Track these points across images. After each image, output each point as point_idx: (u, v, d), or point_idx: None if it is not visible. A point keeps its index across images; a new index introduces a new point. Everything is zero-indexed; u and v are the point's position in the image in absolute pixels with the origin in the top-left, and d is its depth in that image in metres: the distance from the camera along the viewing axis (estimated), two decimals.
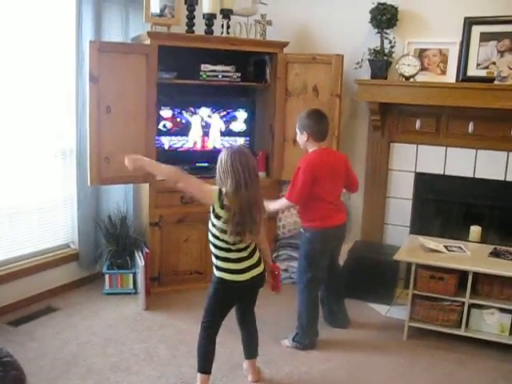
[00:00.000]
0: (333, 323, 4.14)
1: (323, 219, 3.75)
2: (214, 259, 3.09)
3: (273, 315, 4.25)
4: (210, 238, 3.04)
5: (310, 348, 3.83)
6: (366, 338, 4.02)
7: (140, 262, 4.37)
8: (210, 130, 4.85)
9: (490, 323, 3.84)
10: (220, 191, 2.95)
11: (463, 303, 3.85)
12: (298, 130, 3.80)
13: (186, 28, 4.59)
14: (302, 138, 3.78)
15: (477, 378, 3.52)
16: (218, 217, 2.95)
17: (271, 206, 3.82)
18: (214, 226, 2.99)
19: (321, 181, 3.68)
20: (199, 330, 3.19)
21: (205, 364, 3.19)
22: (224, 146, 3.19)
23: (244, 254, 3.06)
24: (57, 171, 4.53)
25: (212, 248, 3.07)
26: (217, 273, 3.08)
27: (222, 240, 2.98)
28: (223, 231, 2.95)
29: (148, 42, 4.32)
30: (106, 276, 4.59)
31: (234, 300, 3.21)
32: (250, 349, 3.40)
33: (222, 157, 2.97)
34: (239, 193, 2.90)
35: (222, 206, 2.93)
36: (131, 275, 4.61)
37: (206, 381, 3.20)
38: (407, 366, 3.65)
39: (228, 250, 3.02)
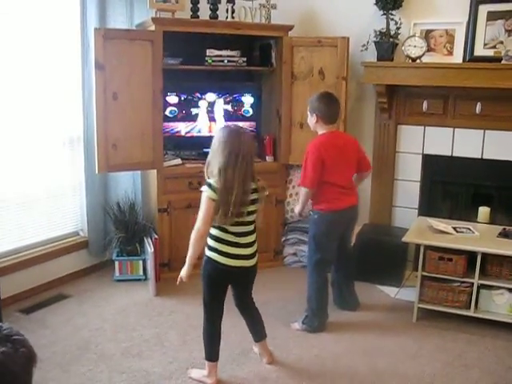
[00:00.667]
0: (342, 306, 4.15)
1: (330, 202, 3.76)
2: (209, 240, 3.06)
3: (282, 298, 4.27)
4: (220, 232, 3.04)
5: (320, 331, 3.84)
6: (376, 320, 4.03)
7: (149, 248, 4.39)
8: (216, 115, 4.85)
9: (499, 304, 3.84)
10: (210, 185, 2.94)
11: (472, 284, 3.85)
12: (308, 112, 3.82)
13: (191, 13, 4.58)
14: (311, 120, 3.80)
15: (486, 357, 3.53)
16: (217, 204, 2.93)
17: (297, 208, 3.99)
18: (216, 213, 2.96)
19: (329, 164, 3.69)
20: (204, 317, 3.21)
21: (212, 351, 3.19)
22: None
23: (243, 240, 3.06)
24: (65, 159, 4.54)
25: (217, 231, 3.04)
26: (207, 253, 3.07)
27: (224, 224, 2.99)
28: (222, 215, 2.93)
29: (153, 28, 4.31)
30: (116, 263, 4.62)
31: (224, 283, 3.18)
32: (257, 331, 3.40)
33: (218, 141, 2.96)
34: (230, 177, 2.90)
35: (215, 191, 2.92)
36: (141, 262, 4.64)
37: (213, 368, 3.21)
38: (417, 347, 3.66)
39: (227, 232, 3.02)
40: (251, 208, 3.02)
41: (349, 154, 3.81)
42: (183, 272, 3.14)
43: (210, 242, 3.06)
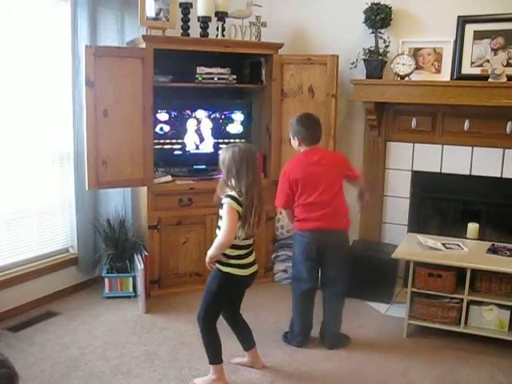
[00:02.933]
0: (322, 340, 3.94)
1: (299, 221, 3.75)
2: (223, 257, 3.15)
3: (272, 315, 4.26)
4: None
5: (293, 344, 3.86)
6: (366, 337, 4.03)
7: (139, 265, 4.37)
8: (203, 132, 4.86)
9: (489, 319, 3.85)
10: (232, 197, 3.07)
11: (462, 300, 3.86)
12: (290, 136, 3.83)
13: (181, 31, 4.60)
14: (294, 143, 3.81)
15: (477, 373, 3.54)
16: (240, 217, 3.08)
17: (288, 220, 4.07)
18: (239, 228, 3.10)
19: (300, 183, 3.68)
20: (201, 325, 3.27)
21: (215, 354, 3.30)
22: (222, 147, 3.28)
23: (248, 249, 3.23)
24: (55, 176, 4.54)
25: (228, 249, 3.14)
26: (224, 268, 3.16)
27: (239, 237, 3.12)
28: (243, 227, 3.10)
29: (143, 45, 4.33)
30: (106, 280, 4.60)
31: (234, 294, 3.33)
32: (248, 339, 3.50)
33: (233, 156, 3.10)
34: (250, 190, 3.08)
35: (241, 205, 3.07)
36: (131, 278, 4.62)
37: (221, 370, 3.31)
38: (407, 363, 3.66)
39: (241, 248, 3.17)
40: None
41: (325, 168, 3.69)
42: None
43: (224, 258, 3.16)
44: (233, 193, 3.09)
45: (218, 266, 3.17)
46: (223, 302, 3.30)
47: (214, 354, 3.30)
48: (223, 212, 3.08)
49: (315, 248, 3.70)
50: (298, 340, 3.87)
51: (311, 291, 3.84)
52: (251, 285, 3.34)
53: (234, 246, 3.14)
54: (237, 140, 4.89)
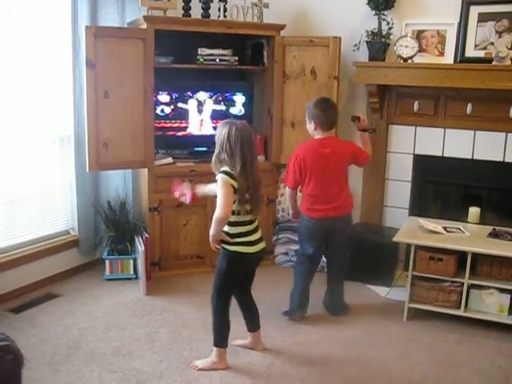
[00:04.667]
0: (326, 309, 4.14)
1: (307, 209, 3.85)
2: (227, 237, 3.15)
3: (273, 298, 4.26)
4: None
5: (292, 314, 3.95)
6: (367, 320, 4.04)
7: (140, 247, 4.38)
8: (204, 114, 4.84)
9: (489, 303, 3.86)
10: (226, 172, 3.06)
11: (462, 284, 3.86)
12: (307, 119, 3.85)
13: (183, 12, 4.56)
14: (310, 126, 3.84)
15: (476, 356, 3.55)
16: (235, 191, 3.07)
17: (290, 212, 4.13)
18: (233, 202, 3.09)
19: (309, 171, 3.76)
20: (214, 306, 3.29)
21: (223, 338, 3.32)
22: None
23: (253, 226, 3.22)
24: (55, 158, 4.53)
25: (227, 226, 3.14)
26: (231, 248, 3.16)
27: (239, 214, 3.11)
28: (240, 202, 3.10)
29: (144, 26, 4.29)
30: (107, 262, 4.60)
31: (245, 273, 3.33)
32: (255, 321, 3.52)
33: (228, 133, 3.08)
34: (245, 171, 3.05)
35: (235, 179, 3.05)
36: (131, 261, 4.62)
37: (223, 354, 3.34)
38: (407, 346, 3.67)
39: (243, 224, 3.16)
40: None
41: (336, 162, 3.80)
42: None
43: (229, 238, 3.16)
44: (227, 168, 3.08)
45: (223, 246, 3.17)
46: (234, 281, 3.30)
47: (221, 338, 3.31)
48: (217, 187, 3.07)
49: (320, 232, 3.87)
50: (296, 310, 3.95)
51: (315, 261, 3.99)
52: (260, 262, 3.35)
53: (236, 223, 3.14)
54: None
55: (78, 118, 4.47)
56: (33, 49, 4.18)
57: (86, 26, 4.08)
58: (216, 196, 3.11)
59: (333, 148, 3.79)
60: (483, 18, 4.31)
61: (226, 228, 3.14)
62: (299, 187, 3.92)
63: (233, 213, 3.10)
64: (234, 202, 3.08)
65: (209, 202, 4.57)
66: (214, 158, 3.16)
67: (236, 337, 3.57)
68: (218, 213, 3.05)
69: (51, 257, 4.51)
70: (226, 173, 3.06)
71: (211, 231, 3.12)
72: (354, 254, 4.47)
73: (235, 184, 3.04)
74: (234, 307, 3.45)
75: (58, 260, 4.58)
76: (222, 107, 4.89)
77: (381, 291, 4.53)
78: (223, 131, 3.10)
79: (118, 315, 4.01)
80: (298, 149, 3.84)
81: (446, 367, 3.43)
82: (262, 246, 3.26)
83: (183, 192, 3.44)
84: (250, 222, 3.20)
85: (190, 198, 3.42)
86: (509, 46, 4.14)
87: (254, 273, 3.42)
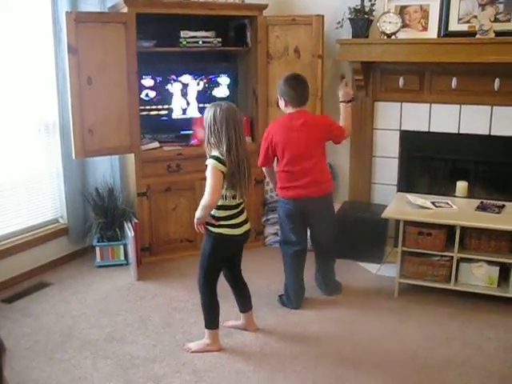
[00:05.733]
0: (320, 289, 4.13)
1: (282, 189, 3.79)
2: (212, 220, 3.15)
3: (264, 278, 4.29)
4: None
5: (290, 307, 3.90)
6: (358, 297, 4.07)
7: (130, 232, 4.37)
8: (190, 97, 4.82)
9: (478, 276, 3.89)
10: (215, 157, 3.05)
11: (452, 258, 3.89)
12: (277, 96, 3.81)
13: None
14: (281, 104, 3.79)
15: (467, 329, 3.59)
16: (224, 176, 3.07)
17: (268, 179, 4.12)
18: (225, 187, 3.10)
19: (281, 146, 3.71)
20: (201, 289, 3.30)
21: (214, 319, 3.33)
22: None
23: (239, 209, 3.22)
24: (41, 146, 4.50)
25: (214, 209, 3.14)
26: (215, 230, 3.16)
27: (226, 198, 3.12)
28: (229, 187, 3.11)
29: (125, 10, 4.25)
30: (97, 248, 4.60)
31: (229, 252, 3.34)
32: (246, 301, 3.53)
33: (214, 115, 3.06)
34: (231, 151, 3.04)
35: (225, 165, 3.04)
36: (122, 246, 4.62)
37: (216, 336, 3.36)
38: (399, 321, 3.71)
39: (229, 208, 3.16)
40: None
41: (309, 133, 3.69)
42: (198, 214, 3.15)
43: (214, 221, 3.16)
44: (216, 153, 3.06)
45: (208, 227, 3.17)
46: (219, 263, 3.30)
47: (212, 319, 3.33)
48: (207, 173, 3.07)
49: (299, 214, 3.79)
50: (294, 303, 3.91)
51: (302, 252, 3.89)
52: (245, 243, 3.36)
53: (222, 207, 3.14)
54: None
55: (62, 105, 4.43)
56: (14, 37, 4.13)
57: (67, 12, 4.02)
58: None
59: (305, 119, 3.72)
60: None
61: (213, 211, 3.14)
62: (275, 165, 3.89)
63: (224, 197, 3.12)
64: (223, 187, 3.08)
65: (197, 185, 4.57)
66: (205, 143, 3.15)
67: (228, 318, 3.59)
68: (205, 199, 3.04)
69: (41, 246, 4.49)
70: (215, 158, 3.05)
71: (197, 214, 3.12)
72: (344, 232, 4.50)
73: (224, 169, 3.03)
74: (226, 289, 3.47)
75: (48, 249, 4.57)
76: (207, 89, 4.86)
77: (372, 268, 4.56)
78: (209, 114, 3.09)
79: (110, 301, 4.01)
80: (270, 125, 3.82)
81: (437, 341, 3.46)
82: (246, 227, 3.27)
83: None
84: (237, 206, 3.20)
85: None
86: (492, 19, 4.13)
87: (241, 254, 3.43)
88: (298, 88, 3.71)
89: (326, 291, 4.09)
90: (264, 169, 3.97)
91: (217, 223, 3.15)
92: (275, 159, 3.86)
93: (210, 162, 3.05)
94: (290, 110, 3.74)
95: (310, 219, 3.84)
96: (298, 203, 3.74)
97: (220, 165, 3.03)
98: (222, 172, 3.03)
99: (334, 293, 4.08)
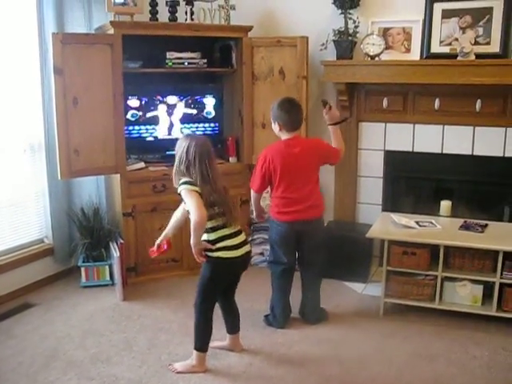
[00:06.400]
0: (304, 318, 4.03)
1: (278, 213, 3.77)
2: (209, 245, 3.16)
3: (250, 298, 4.27)
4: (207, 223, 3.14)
5: (275, 327, 3.89)
6: (344, 316, 4.08)
7: (115, 253, 4.36)
8: (174, 118, 4.85)
9: (462, 295, 3.92)
10: (186, 182, 3.09)
11: (436, 277, 3.92)
12: (271, 120, 3.80)
13: (150, 16, 4.57)
14: (275, 127, 3.77)
15: (451, 348, 3.61)
16: (201, 195, 3.09)
17: (252, 205, 4.05)
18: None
19: (279, 173, 3.69)
20: (197, 311, 3.28)
21: (204, 342, 3.32)
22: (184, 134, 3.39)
23: (233, 229, 3.23)
24: (26, 166, 4.49)
25: (205, 234, 3.16)
26: (213, 254, 3.17)
27: (212, 218, 3.14)
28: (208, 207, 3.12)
29: (112, 31, 4.28)
30: (82, 269, 4.57)
31: (229, 277, 3.34)
32: (235, 323, 3.53)
33: (187, 148, 3.12)
34: (205, 181, 3.09)
35: (196, 185, 3.09)
36: (107, 267, 4.60)
37: (203, 358, 3.35)
38: (384, 340, 3.72)
39: (220, 228, 3.17)
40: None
41: (306, 161, 3.72)
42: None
43: (210, 245, 3.17)
44: (186, 178, 3.10)
45: (206, 253, 3.17)
46: (218, 287, 3.30)
47: (203, 342, 3.31)
48: (184, 198, 3.09)
49: (293, 236, 3.78)
50: (280, 322, 3.90)
51: (290, 271, 3.90)
52: (247, 266, 3.37)
53: (213, 229, 3.15)
54: (210, 125, 4.93)
55: (47, 125, 4.44)
56: None
57: (53, 33, 4.04)
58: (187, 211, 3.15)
59: (301, 147, 3.73)
60: (447, 14, 4.39)
61: (205, 236, 3.16)
62: (268, 191, 3.89)
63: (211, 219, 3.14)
64: (211, 219, 3.12)
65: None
66: (173, 171, 3.19)
67: (213, 339, 3.58)
68: (193, 218, 3.03)
69: (26, 266, 4.47)
70: (186, 182, 3.09)
71: (192, 241, 3.09)
72: (330, 251, 4.51)
73: (198, 189, 3.06)
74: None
75: (33, 269, 4.54)
76: (193, 110, 4.89)
77: (357, 287, 4.57)
78: (182, 145, 3.15)
79: (96, 322, 3.99)
80: (266, 151, 3.76)
81: (422, 360, 3.48)
82: (246, 249, 3.28)
83: (159, 248, 3.44)
84: (225, 226, 3.19)
85: (166, 245, 3.43)
86: (472, 42, 4.22)
87: (240, 277, 3.42)
88: (292, 112, 3.71)
89: (311, 319, 3.99)
90: (254, 195, 3.91)
91: (214, 247, 3.16)
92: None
93: (182, 187, 3.08)
94: (284, 134, 3.73)
95: (303, 241, 3.82)
96: (293, 226, 3.74)
97: (192, 186, 3.06)
98: (197, 191, 3.05)
99: (319, 321, 3.99)
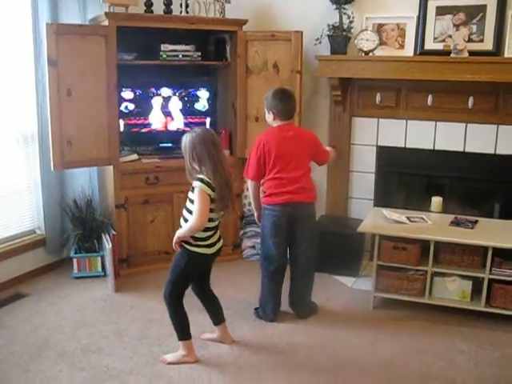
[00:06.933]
0: (294, 311, 4.05)
1: (270, 195, 3.78)
2: (191, 239, 3.18)
3: (241, 291, 4.30)
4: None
5: (267, 319, 3.92)
6: (334, 310, 4.11)
7: (107, 244, 4.37)
8: (172, 110, 4.85)
9: (451, 290, 3.95)
10: (203, 181, 3.09)
11: (426, 272, 3.95)
12: (265, 109, 3.85)
13: (145, 8, 4.56)
14: (269, 117, 3.83)
15: (440, 342, 3.64)
16: (212, 200, 3.12)
17: (250, 198, 4.01)
18: (211, 210, 3.13)
19: (273, 156, 3.72)
20: (168, 302, 3.32)
21: (184, 330, 3.35)
22: (189, 128, 3.36)
23: (216, 229, 3.28)
24: (19, 157, 4.49)
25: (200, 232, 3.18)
26: (191, 248, 3.19)
27: (211, 221, 3.18)
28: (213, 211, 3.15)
29: (106, 23, 4.28)
30: (74, 260, 4.59)
31: (200, 270, 3.38)
32: (218, 314, 3.55)
33: (191, 141, 3.14)
34: (217, 172, 3.10)
35: (212, 188, 3.10)
36: (99, 258, 4.61)
37: (190, 346, 3.38)
38: (373, 335, 3.75)
39: (210, 229, 3.22)
40: None
41: (299, 146, 3.77)
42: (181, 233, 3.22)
43: (192, 240, 3.19)
44: (203, 176, 3.11)
45: (184, 245, 3.20)
46: (190, 279, 3.36)
47: (183, 331, 3.34)
48: (194, 196, 3.10)
49: (285, 221, 3.78)
50: (271, 317, 3.93)
51: (282, 270, 3.91)
52: (212, 263, 3.42)
53: (204, 229, 3.17)
54: (203, 118, 4.94)
55: (41, 116, 4.44)
56: None
57: (47, 24, 4.04)
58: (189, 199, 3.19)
59: (295, 132, 3.82)
60: (441, 11, 4.41)
61: (200, 233, 3.19)
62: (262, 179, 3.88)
63: (211, 220, 3.18)
64: (212, 211, 3.14)
65: (175, 197, 4.60)
66: (186, 170, 3.21)
67: (204, 331, 3.61)
68: (193, 221, 3.08)
69: (18, 257, 4.47)
70: (202, 181, 3.09)
71: (180, 234, 3.16)
72: (321, 245, 4.53)
73: (212, 194, 3.09)
74: (198, 302, 3.51)
75: (25, 260, 4.54)
76: (188, 103, 4.90)
77: (348, 281, 4.60)
78: (186, 141, 3.17)
79: (87, 313, 4.01)
80: (260, 136, 3.80)
81: (411, 353, 3.51)
82: (219, 245, 3.33)
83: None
84: (215, 227, 3.26)
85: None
86: (466, 39, 4.25)
87: (211, 268, 3.47)
88: (286, 101, 3.78)
89: (300, 314, 4.00)
90: (252, 184, 3.88)
91: (194, 243, 3.19)
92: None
93: (196, 185, 3.09)
94: (277, 122, 3.79)
95: (295, 228, 3.81)
96: (286, 209, 3.74)
97: (207, 188, 3.08)
98: (209, 195, 3.08)
99: (308, 315, 4.00)
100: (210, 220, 3.17)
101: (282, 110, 3.77)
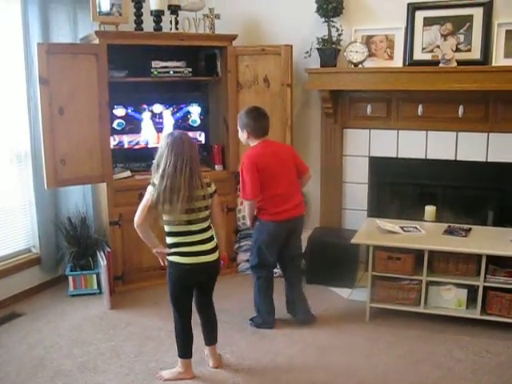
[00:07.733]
0: (294, 316, 4.09)
1: (272, 213, 3.80)
2: (164, 248, 3.24)
3: (237, 305, 4.30)
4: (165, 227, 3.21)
5: (265, 327, 3.95)
6: (330, 321, 4.10)
7: (102, 261, 4.37)
8: (164, 126, 4.87)
9: (447, 299, 3.96)
10: (153, 184, 3.13)
11: (421, 281, 3.96)
12: (238, 128, 3.88)
13: (135, 25, 4.59)
14: (243, 135, 3.86)
15: (436, 351, 3.64)
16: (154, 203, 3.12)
17: (248, 223, 4.03)
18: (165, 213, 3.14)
19: (266, 172, 3.74)
20: (173, 317, 3.33)
21: (185, 349, 3.33)
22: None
23: (196, 238, 3.19)
24: (13, 176, 4.50)
25: (166, 237, 3.23)
26: (169, 258, 3.22)
27: (169, 224, 3.17)
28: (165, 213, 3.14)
29: (97, 41, 4.31)
30: (70, 278, 4.58)
31: (188, 283, 3.28)
32: (210, 335, 3.48)
33: (163, 143, 3.16)
34: (165, 178, 3.06)
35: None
36: (95, 275, 4.61)
37: (188, 365, 3.36)
38: (370, 345, 3.75)
39: (178, 234, 3.17)
40: (203, 204, 3.17)
41: (284, 158, 3.82)
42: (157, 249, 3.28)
43: (170, 248, 3.21)
44: (155, 179, 3.12)
45: (167, 256, 3.24)
46: (179, 291, 3.25)
47: (183, 349, 3.33)
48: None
49: (284, 234, 3.88)
50: (270, 322, 3.97)
51: (272, 274, 4.02)
52: (213, 275, 3.33)
53: (170, 234, 3.20)
54: (195, 133, 4.96)
55: (34, 135, 4.45)
56: None
57: (38, 43, 4.07)
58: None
59: (276, 146, 3.89)
60: (428, 22, 4.46)
61: (167, 239, 3.22)
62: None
63: (166, 223, 3.18)
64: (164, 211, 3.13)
65: None
66: (153, 166, 3.23)
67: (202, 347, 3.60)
68: (135, 221, 3.19)
69: (13, 276, 4.47)
70: (152, 184, 3.14)
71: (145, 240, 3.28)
72: (316, 257, 4.57)
73: (154, 197, 3.08)
74: None
75: (21, 278, 4.54)
76: (180, 119, 4.92)
77: (343, 293, 4.60)
78: (160, 143, 3.20)
79: (83, 331, 4.00)
80: (247, 157, 3.78)
81: (408, 363, 3.51)
82: (203, 259, 3.18)
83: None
84: (190, 233, 3.16)
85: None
86: (454, 49, 4.29)
87: (208, 286, 3.38)
88: (259, 119, 3.80)
89: (299, 318, 4.04)
90: (251, 204, 3.86)
91: (171, 251, 3.20)
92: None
93: (149, 188, 3.15)
94: (252, 141, 3.82)
95: (290, 238, 3.93)
96: (286, 224, 3.83)
97: (153, 191, 3.10)
98: (152, 199, 3.10)
99: (306, 322, 4.03)
100: (168, 223, 3.16)
101: (256, 128, 3.79)
